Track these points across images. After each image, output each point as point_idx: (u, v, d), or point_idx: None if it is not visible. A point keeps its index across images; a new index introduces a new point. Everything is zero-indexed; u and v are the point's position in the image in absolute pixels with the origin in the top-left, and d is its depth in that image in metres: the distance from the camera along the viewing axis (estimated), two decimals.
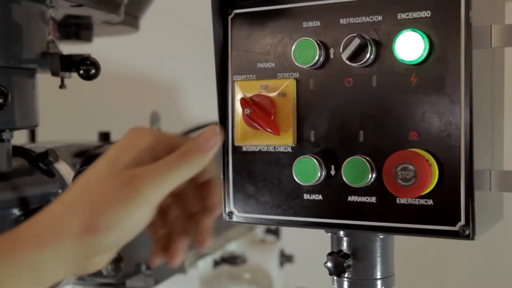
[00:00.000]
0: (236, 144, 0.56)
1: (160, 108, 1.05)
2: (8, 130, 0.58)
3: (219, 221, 0.92)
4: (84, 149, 0.71)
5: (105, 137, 0.81)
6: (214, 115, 1.21)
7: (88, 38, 0.78)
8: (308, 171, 0.52)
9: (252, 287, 0.96)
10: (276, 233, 1.11)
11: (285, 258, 1.05)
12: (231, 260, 0.92)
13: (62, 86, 0.64)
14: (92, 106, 1.41)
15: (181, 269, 0.83)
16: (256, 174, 0.55)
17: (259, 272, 0.99)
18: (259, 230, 1.08)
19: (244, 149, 0.55)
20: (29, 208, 0.60)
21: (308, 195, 0.53)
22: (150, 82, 1.42)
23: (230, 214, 0.56)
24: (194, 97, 1.41)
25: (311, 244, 1.30)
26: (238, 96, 0.55)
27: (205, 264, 0.89)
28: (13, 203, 0.58)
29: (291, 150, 0.53)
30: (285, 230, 1.11)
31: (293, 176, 0.53)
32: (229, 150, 0.56)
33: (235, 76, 0.56)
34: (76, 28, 0.76)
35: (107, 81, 1.09)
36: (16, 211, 0.58)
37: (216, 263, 0.91)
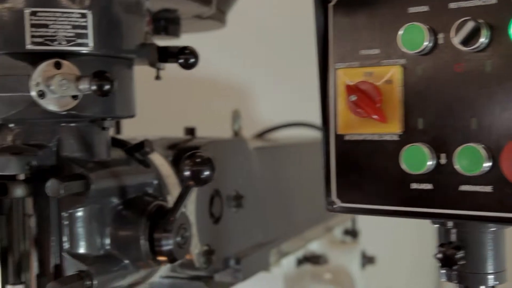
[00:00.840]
0: (338, 132, 0.55)
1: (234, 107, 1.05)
2: (109, 119, 0.59)
3: (297, 221, 0.92)
4: (175, 142, 0.72)
5: (191, 132, 0.82)
6: (288, 117, 1.21)
7: (175, 33, 0.78)
8: (417, 159, 0.50)
9: (333, 287, 0.95)
10: (354, 234, 1.09)
11: (367, 260, 1.03)
12: (313, 259, 0.90)
13: (157, 77, 0.65)
14: (165, 105, 1.42)
15: (266, 267, 0.82)
16: (360, 163, 0.54)
17: (340, 273, 0.97)
18: (338, 231, 1.06)
19: (347, 137, 0.54)
20: (126, 198, 0.60)
21: (417, 184, 0.51)
22: (226, 82, 1.42)
23: (332, 204, 0.55)
24: (268, 98, 1.41)
25: (392, 246, 1.28)
26: (341, 84, 0.54)
27: (288, 263, 0.88)
28: (113, 191, 0.58)
29: (398, 138, 0.52)
30: (364, 232, 1.09)
31: (399, 165, 0.51)
32: (332, 139, 0.55)
33: (337, 63, 0.55)
34: (165, 23, 0.76)
35: (185, 81, 1.10)
36: (115, 200, 0.59)
37: (300, 262, 0.90)
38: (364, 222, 1.14)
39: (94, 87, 0.52)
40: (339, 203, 0.55)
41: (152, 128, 1.04)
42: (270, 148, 0.90)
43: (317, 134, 1.18)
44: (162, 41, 0.74)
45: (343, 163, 0.54)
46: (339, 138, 0.55)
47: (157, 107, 1.40)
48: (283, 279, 0.86)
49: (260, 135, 1.08)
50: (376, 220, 1.10)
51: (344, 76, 0.54)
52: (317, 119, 1.21)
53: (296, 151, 0.96)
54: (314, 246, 0.96)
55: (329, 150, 0.55)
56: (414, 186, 0.51)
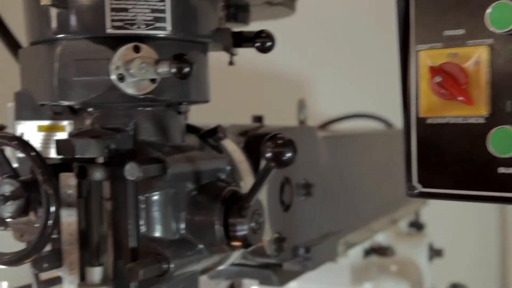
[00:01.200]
0: (420, 116, 0.53)
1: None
2: (185, 103, 0.59)
3: (363, 212, 0.90)
4: (246, 129, 0.71)
5: (259, 120, 0.81)
6: (348, 109, 1.19)
7: (245, 21, 0.78)
8: (505, 142, 0.48)
9: (401, 279, 0.93)
10: (419, 226, 1.07)
11: (434, 253, 1.01)
12: (380, 251, 0.89)
13: (231, 63, 0.64)
14: (225, 94, 1.42)
15: (334, 257, 0.81)
16: (442, 147, 0.52)
17: (407, 265, 0.96)
18: (403, 223, 1.04)
19: (429, 121, 0.53)
20: (200, 183, 0.60)
21: (504, 168, 0.49)
22: (286, 74, 1.42)
23: (413, 189, 0.53)
24: (329, 90, 1.40)
25: (460, 238, 1.25)
26: (423, 66, 0.53)
27: (355, 253, 0.86)
28: (188, 176, 0.58)
29: (484, 121, 0.50)
30: (431, 224, 1.07)
31: (485, 148, 0.50)
32: (413, 123, 0.54)
33: (419, 45, 0.54)
34: (235, 10, 0.76)
35: (245, 71, 1.10)
36: (190, 185, 0.59)
37: (366, 253, 0.89)
38: (428, 215, 1.12)
39: (174, 70, 0.52)
40: (420, 188, 0.53)
41: (214, 116, 1.05)
42: (337, 138, 0.89)
43: (380, 126, 1.17)
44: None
45: (425, 146, 0.53)
46: (420, 121, 0.53)
47: (217, 96, 1.41)
48: (350, 270, 0.84)
49: (324, 125, 1.07)
50: (440, 213, 1.08)
51: (426, 58, 0.53)
52: (376, 111, 1.19)
53: (362, 142, 0.95)
54: (381, 238, 0.95)
55: (410, 134, 0.54)
56: (501, 170, 0.50)
